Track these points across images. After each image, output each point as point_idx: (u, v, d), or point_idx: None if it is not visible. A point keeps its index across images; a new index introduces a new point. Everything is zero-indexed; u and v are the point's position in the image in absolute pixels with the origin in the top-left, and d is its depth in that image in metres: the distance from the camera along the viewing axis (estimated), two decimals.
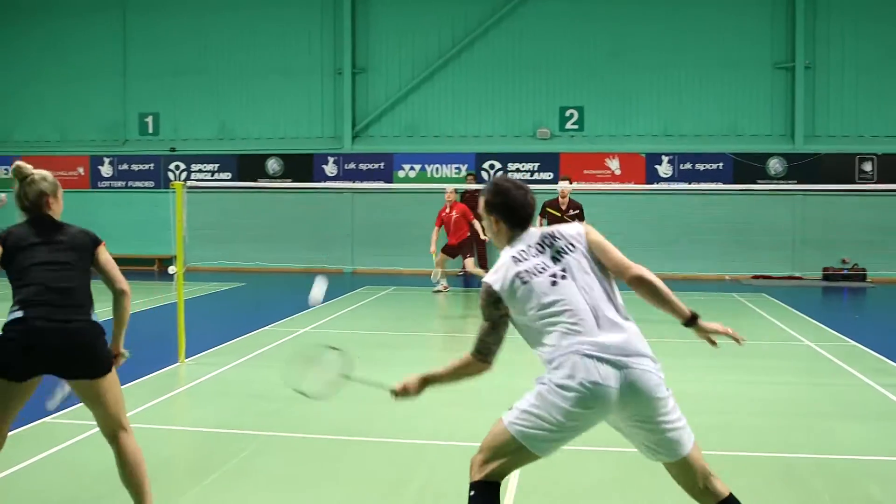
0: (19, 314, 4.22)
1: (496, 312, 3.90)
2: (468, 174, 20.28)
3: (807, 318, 13.10)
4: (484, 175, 20.37)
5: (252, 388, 8.20)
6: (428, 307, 14.81)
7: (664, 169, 19.88)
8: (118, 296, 4.62)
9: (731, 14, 19.68)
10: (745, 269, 19.38)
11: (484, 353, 3.99)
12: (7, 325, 4.23)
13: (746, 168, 19.54)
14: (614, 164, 20.01)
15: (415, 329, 12.05)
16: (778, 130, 19.74)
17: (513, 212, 3.97)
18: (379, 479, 5.61)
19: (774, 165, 19.56)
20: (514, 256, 3.88)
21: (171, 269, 9.65)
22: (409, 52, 20.86)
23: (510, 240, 3.99)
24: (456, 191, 16.71)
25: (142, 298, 15.21)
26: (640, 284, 4.01)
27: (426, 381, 4.16)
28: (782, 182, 19.32)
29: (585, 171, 20.08)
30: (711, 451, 6.14)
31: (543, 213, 14.83)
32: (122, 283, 4.65)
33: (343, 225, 20.71)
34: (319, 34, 21.21)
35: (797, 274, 19.19)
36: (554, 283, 3.79)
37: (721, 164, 19.72)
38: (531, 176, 20.03)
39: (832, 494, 5.26)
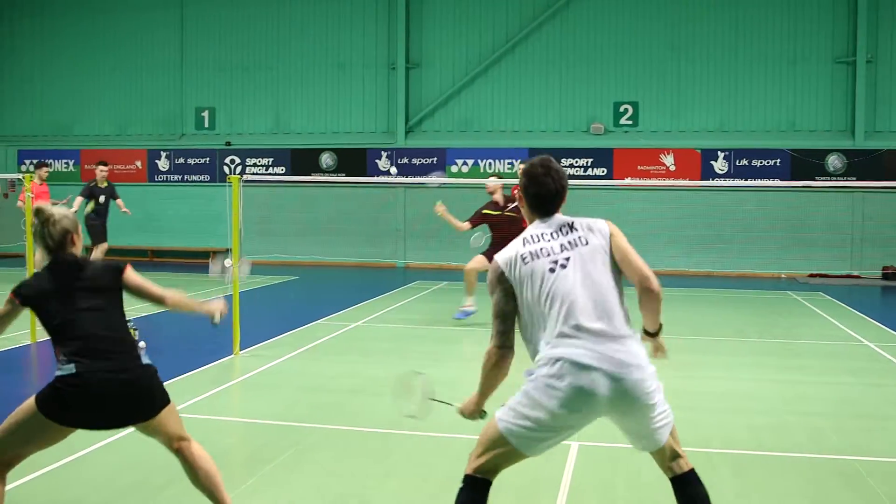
0: (72, 368, 4.00)
1: (504, 292, 3.80)
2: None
3: (865, 317, 12.86)
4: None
5: (306, 381, 8.28)
6: (481, 303, 14.78)
7: (720, 165, 19.64)
8: (167, 306, 4.60)
9: (791, 8, 19.38)
10: (802, 268, 19.08)
11: (507, 344, 3.85)
12: (62, 379, 4.01)
13: (804, 164, 19.21)
14: (669, 160, 19.82)
15: (468, 324, 12.05)
16: (838, 126, 19.39)
17: (536, 199, 3.93)
18: (433, 473, 5.64)
19: (833, 162, 19.21)
20: (525, 238, 3.85)
21: (227, 263, 9.75)
22: (463, 46, 20.87)
23: (531, 221, 3.97)
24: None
25: (197, 291, 15.43)
26: (651, 296, 3.95)
27: (479, 404, 4.14)
28: (841, 179, 18.97)
29: (639, 167, 19.92)
30: (767, 452, 6.11)
31: (480, 219, 12.53)
32: (161, 293, 4.53)
33: (395, 219, 20.81)
34: (374, 29, 21.30)
35: (856, 272, 18.84)
36: (552, 271, 3.73)
37: (778, 161, 19.42)
38: (584, 171, 19.92)
39: (890, 496, 5.17)
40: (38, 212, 4.33)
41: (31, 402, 4.04)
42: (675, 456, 3.87)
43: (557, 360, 3.62)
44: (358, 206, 20.95)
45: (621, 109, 20.19)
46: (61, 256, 4.27)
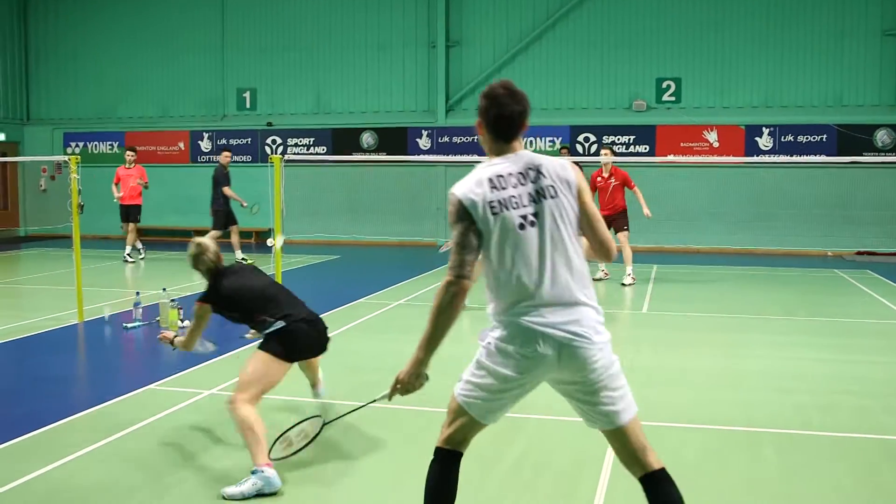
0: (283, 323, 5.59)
1: (468, 226, 3.52)
2: (562, 147, 20.08)
3: None
4: (578, 148, 20.15)
5: (347, 360, 8.32)
6: None
7: (764, 141, 19.34)
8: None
9: None
10: (849, 245, 18.77)
11: (466, 274, 3.52)
12: (280, 331, 5.59)
13: (852, 140, 18.85)
14: (712, 137, 19.56)
15: None
16: (886, 101, 18.98)
17: (498, 120, 3.70)
18: (476, 451, 5.62)
19: (882, 137, 18.83)
20: (491, 178, 3.54)
21: (270, 242, 9.83)
22: (503, 24, 20.73)
23: (493, 151, 3.70)
24: (613, 152, 14.60)
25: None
26: (606, 261, 3.83)
27: (419, 361, 3.77)
28: (890, 154, 18.59)
29: (682, 144, 19.68)
30: (813, 431, 6.04)
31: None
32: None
33: (436, 198, 20.77)
34: (414, 7, 21.23)
35: None
36: (522, 227, 3.50)
37: (825, 136, 19.08)
38: (626, 149, 19.74)
39: None
40: (197, 246, 5.87)
41: (263, 356, 5.52)
42: (644, 451, 3.64)
43: (511, 324, 3.51)
44: (398, 185, 20.95)
45: (664, 86, 19.95)
46: (222, 267, 5.89)
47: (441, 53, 20.84)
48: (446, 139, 20.96)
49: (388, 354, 8.60)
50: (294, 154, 21.24)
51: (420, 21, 21.22)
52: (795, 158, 18.64)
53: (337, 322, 10.22)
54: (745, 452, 5.61)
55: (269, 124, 22.12)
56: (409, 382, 3.81)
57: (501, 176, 3.56)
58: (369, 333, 9.84)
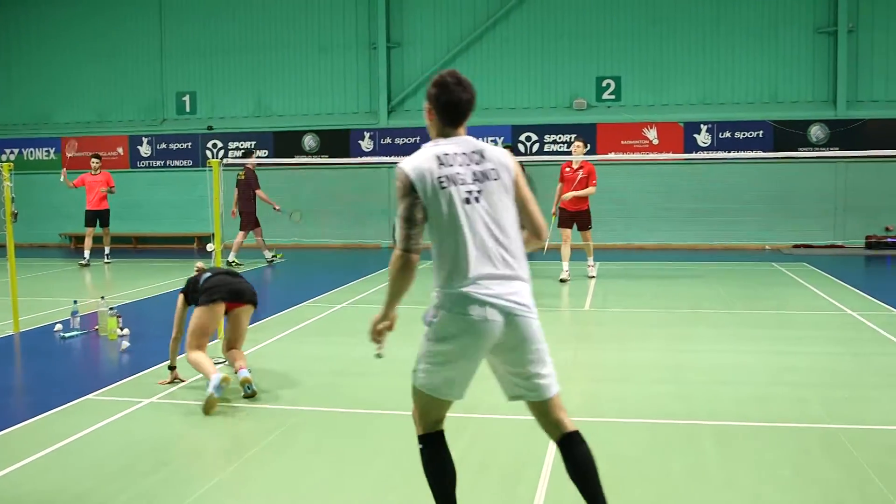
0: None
1: (414, 201, 3.76)
2: (505, 146, 20.16)
3: (849, 287, 12.91)
4: (520, 147, 20.26)
5: (291, 364, 8.26)
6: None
7: (703, 138, 19.64)
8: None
9: None
10: (787, 239, 19.15)
11: (414, 248, 3.80)
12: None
13: (787, 136, 19.23)
14: (652, 134, 19.80)
15: None
16: (820, 97, 19.39)
17: (447, 106, 3.95)
18: (414, 451, 5.63)
19: (816, 132, 19.23)
20: (438, 156, 3.81)
21: (209, 247, 9.72)
22: (444, 25, 20.76)
23: (440, 135, 3.96)
24: (585, 145, 14.71)
25: (182, 276, 15.36)
26: (538, 247, 4.15)
27: (386, 314, 4.08)
28: (824, 149, 18.98)
29: (623, 142, 19.90)
30: (752, 423, 6.13)
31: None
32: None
33: (380, 200, 20.72)
34: (354, 9, 21.16)
35: (839, 242, 18.92)
36: (467, 202, 3.77)
37: (761, 132, 19.43)
38: (567, 147, 19.88)
39: (876, 465, 5.20)
40: (199, 270, 7.53)
41: (195, 310, 7.14)
42: (563, 418, 3.98)
43: (459, 295, 3.72)
44: (342, 187, 20.86)
45: (604, 84, 20.14)
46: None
47: (382, 55, 20.80)
48: (389, 140, 20.93)
49: (331, 358, 8.56)
50: (235, 158, 21.04)
51: (361, 22, 21.15)
52: (733, 154, 18.97)
53: (281, 326, 10.14)
54: (685, 445, 5.68)
55: (210, 128, 21.88)
56: (379, 330, 4.09)
57: (448, 154, 3.83)
58: (313, 337, 9.78)
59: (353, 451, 5.69)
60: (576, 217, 13.98)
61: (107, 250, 17.84)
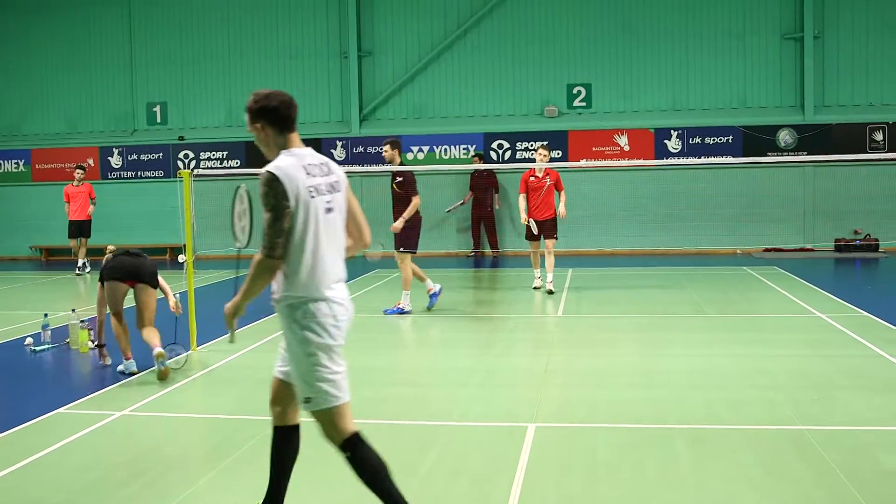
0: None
1: (285, 210, 3.91)
2: (475, 154, 20.23)
3: (819, 290, 13.05)
4: (492, 155, 20.33)
5: (264, 374, 8.14)
6: (446, 288, 14.76)
7: (673, 144, 19.80)
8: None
9: None
10: (757, 243, 19.33)
11: (278, 255, 3.96)
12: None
13: (756, 141, 19.42)
14: (623, 141, 19.93)
15: (422, 312, 12.06)
16: (787, 102, 19.61)
17: (279, 110, 4.08)
18: (390, 460, 5.64)
19: (784, 137, 19.44)
20: (304, 167, 4.00)
21: (181, 258, 9.68)
22: (415, 33, 20.80)
23: (280, 146, 4.11)
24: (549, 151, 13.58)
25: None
26: (363, 242, 4.47)
27: (238, 305, 4.29)
28: (792, 154, 19.20)
29: (594, 148, 20.01)
30: (723, 426, 6.19)
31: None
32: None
33: (357, 209, 20.67)
34: (325, 17, 21.15)
35: (809, 246, 19.13)
36: (328, 211, 4.05)
37: (730, 138, 19.61)
38: None
39: (844, 466, 5.26)
40: (108, 252, 8.70)
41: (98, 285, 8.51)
42: (295, 407, 4.36)
43: (323, 299, 4.03)
44: None
45: (574, 91, 20.25)
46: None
47: (353, 63, 20.80)
48: (361, 149, 20.92)
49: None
50: (207, 168, 20.95)
51: (331, 31, 21.15)
52: (703, 160, 19.14)
53: (253, 337, 10.10)
54: (658, 449, 5.72)
55: (181, 138, 21.77)
56: (229, 315, 4.29)
57: (312, 164, 4.05)
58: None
59: (321, 462, 5.67)
60: (543, 225, 13.19)
61: (83, 261, 17.98)
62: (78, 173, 18.35)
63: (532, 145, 20.08)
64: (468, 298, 13.75)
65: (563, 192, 13.30)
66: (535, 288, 13.68)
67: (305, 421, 4.37)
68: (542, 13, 20.23)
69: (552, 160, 19.75)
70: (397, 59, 20.91)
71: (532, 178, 13.26)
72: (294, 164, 3.98)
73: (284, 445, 4.45)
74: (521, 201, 13.30)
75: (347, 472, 4.21)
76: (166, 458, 5.81)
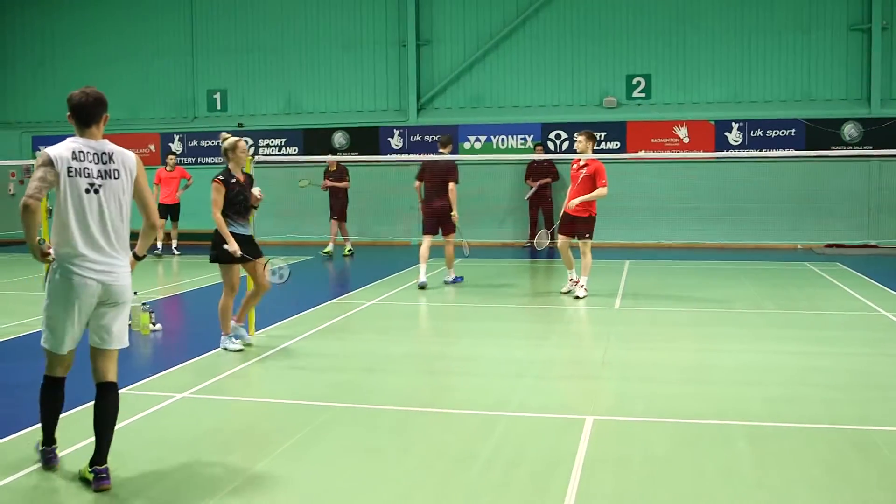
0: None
1: (50, 170, 4.81)
2: (536, 144, 20.14)
3: (883, 287, 12.78)
4: (549, 145, 20.23)
5: (322, 360, 8.31)
6: (496, 278, 14.77)
7: (734, 136, 19.51)
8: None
9: None
10: (819, 238, 18.96)
11: (36, 197, 4.79)
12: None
13: (820, 134, 19.05)
14: (682, 133, 19.69)
15: (484, 301, 12.06)
16: (853, 95, 19.19)
17: (76, 109, 4.97)
18: (448, 449, 5.66)
19: (849, 131, 19.04)
20: (74, 151, 4.89)
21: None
22: (474, 22, 20.75)
23: (78, 135, 4.98)
24: (592, 137, 12.36)
25: (215, 272, 15.47)
26: (152, 231, 5.32)
27: (32, 246, 5.09)
28: (857, 148, 18.80)
29: (653, 140, 19.81)
30: (783, 423, 6.10)
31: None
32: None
33: (409, 198, 20.71)
34: (384, 6, 21.20)
35: (872, 242, 18.72)
36: (87, 192, 4.89)
37: (793, 131, 19.26)
38: (597, 145, 19.77)
39: None
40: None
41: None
42: (108, 370, 5.23)
43: (66, 268, 4.87)
44: (371, 184, 20.89)
45: (634, 82, 20.05)
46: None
47: (412, 52, 20.83)
48: (418, 138, 20.96)
49: (361, 354, 8.60)
50: (265, 155, 21.17)
51: (390, 20, 21.20)
52: (764, 153, 18.83)
53: (310, 323, 10.20)
54: (717, 445, 5.66)
55: (240, 125, 22.01)
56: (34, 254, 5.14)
57: (83, 151, 4.92)
58: (343, 334, 9.82)
59: (382, 449, 5.72)
60: (574, 222, 12.01)
61: (174, 244, 18.81)
62: (171, 159, 19.29)
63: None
64: (524, 289, 13.72)
65: (600, 188, 11.78)
66: (562, 292, 12.40)
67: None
68: (602, 3, 20.04)
69: (610, 151, 19.63)
70: (455, 48, 20.89)
71: (574, 167, 12.24)
72: (67, 146, 4.89)
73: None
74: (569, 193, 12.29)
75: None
76: (225, 441, 5.89)
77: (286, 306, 11.15)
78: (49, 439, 5.29)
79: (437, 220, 13.38)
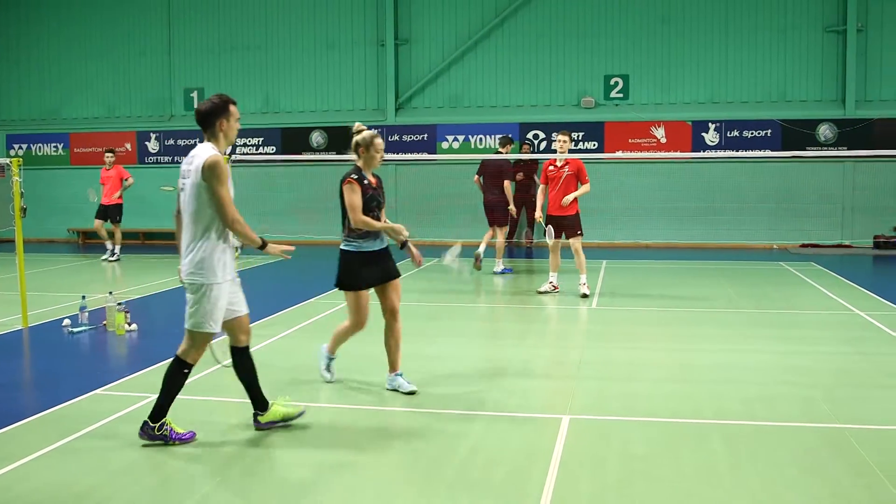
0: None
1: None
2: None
3: (857, 286, 12.89)
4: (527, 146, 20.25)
5: (299, 360, 8.28)
6: (473, 280, 14.76)
7: (710, 137, 19.61)
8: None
9: None
10: (794, 238, 19.11)
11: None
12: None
13: (795, 135, 19.19)
14: (660, 133, 19.78)
15: (461, 300, 12.05)
16: (828, 96, 19.35)
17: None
18: (426, 449, 5.66)
19: (824, 132, 19.19)
20: (187, 156, 5.76)
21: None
22: (452, 22, 20.75)
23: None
24: (571, 138, 12.71)
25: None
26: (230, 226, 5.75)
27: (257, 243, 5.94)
28: (832, 149, 18.95)
29: (630, 140, 19.88)
30: (759, 422, 6.13)
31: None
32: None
33: (388, 197, 20.67)
34: (362, 5, 21.16)
35: (847, 242, 18.88)
36: (182, 190, 5.70)
37: (769, 131, 19.40)
38: (575, 145, 19.83)
39: (884, 465, 5.20)
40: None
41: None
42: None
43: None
44: None
45: (612, 83, 20.11)
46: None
47: (390, 52, 20.81)
48: (396, 137, 20.93)
49: (339, 354, 8.56)
50: (243, 154, 21.08)
51: (369, 19, 21.16)
52: (741, 153, 18.94)
53: (288, 322, 10.17)
54: (694, 444, 5.68)
55: None
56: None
57: (188, 156, 5.76)
58: (322, 333, 9.76)
59: (357, 447, 5.70)
60: (561, 223, 12.11)
61: (115, 248, 17.61)
62: (108, 157, 18.04)
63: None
64: (501, 289, 13.72)
65: (586, 184, 12.06)
66: (539, 292, 12.48)
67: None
68: (580, 3, 20.09)
69: (588, 151, 19.68)
70: (434, 48, 20.88)
71: (551, 168, 12.23)
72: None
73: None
74: (540, 194, 12.52)
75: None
76: (202, 441, 5.85)
77: (265, 306, 11.11)
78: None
79: (491, 212, 14.74)
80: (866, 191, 18.95)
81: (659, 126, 19.78)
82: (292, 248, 6.13)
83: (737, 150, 19.17)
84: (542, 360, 8.51)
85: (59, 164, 22.42)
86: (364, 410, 6.55)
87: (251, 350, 6.12)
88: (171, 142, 22.12)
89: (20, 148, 22.93)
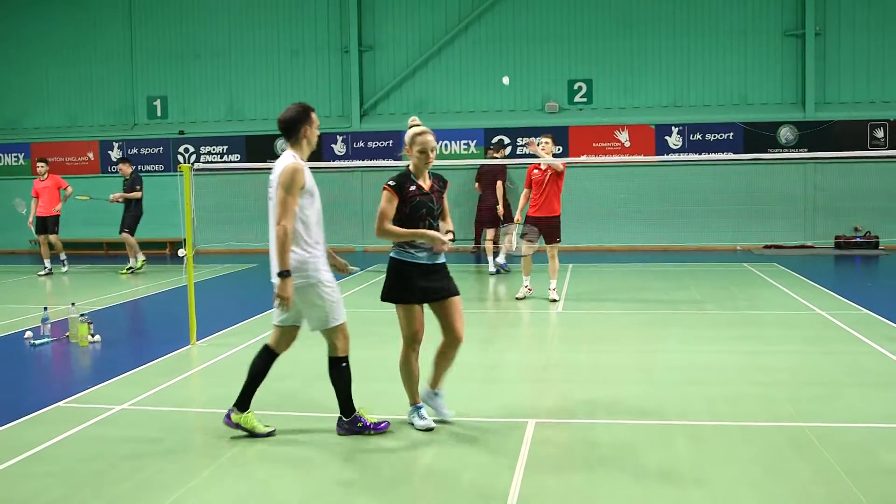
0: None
1: None
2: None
3: (819, 286, 13.06)
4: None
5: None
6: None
7: (674, 140, 19.79)
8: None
9: None
10: (757, 239, 19.33)
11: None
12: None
13: (757, 137, 19.42)
14: (624, 137, 19.92)
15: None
16: (788, 99, 19.60)
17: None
18: (390, 456, 5.65)
19: (785, 134, 19.43)
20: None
21: (181, 253, 9.67)
22: (416, 28, 20.78)
23: None
24: (555, 142, 12.59)
25: (154, 282, 15.27)
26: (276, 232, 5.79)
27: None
28: (793, 151, 19.20)
29: (595, 144, 20.00)
30: (722, 422, 6.19)
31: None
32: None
33: (353, 204, 20.69)
34: (326, 12, 21.14)
35: (809, 243, 19.12)
36: (270, 199, 5.85)
37: (731, 134, 19.61)
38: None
39: (844, 462, 5.26)
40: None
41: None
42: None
43: None
44: None
45: (575, 87, 20.25)
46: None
47: (354, 58, 20.80)
48: (361, 144, 20.92)
49: (306, 362, 8.51)
50: (207, 162, 20.95)
51: (333, 26, 21.14)
52: (704, 156, 19.14)
53: (253, 331, 10.11)
54: (658, 445, 5.72)
55: (181, 133, 21.76)
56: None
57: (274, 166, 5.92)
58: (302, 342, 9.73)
59: (324, 457, 5.68)
60: (544, 226, 12.02)
61: (47, 262, 17.00)
62: (41, 167, 17.16)
63: (533, 141, 19.99)
64: (468, 294, 13.74)
65: (563, 168, 11.96)
66: (517, 298, 12.38)
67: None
68: (544, 8, 20.21)
69: (553, 156, 19.71)
70: (398, 54, 20.90)
71: (535, 172, 12.14)
72: None
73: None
74: (523, 198, 12.35)
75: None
76: (167, 451, 5.81)
77: (230, 315, 11.04)
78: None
79: (489, 214, 15.86)
80: (827, 192, 19.22)
81: (623, 130, 19.93)
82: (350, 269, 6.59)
83: (700, 153, 19.37)
84: (508, 364, 8.54)
85: (20, 175, 22.14)
86: (327, 418, 6.53)
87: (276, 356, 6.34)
88: (135, 151, 21.93)
89: None
